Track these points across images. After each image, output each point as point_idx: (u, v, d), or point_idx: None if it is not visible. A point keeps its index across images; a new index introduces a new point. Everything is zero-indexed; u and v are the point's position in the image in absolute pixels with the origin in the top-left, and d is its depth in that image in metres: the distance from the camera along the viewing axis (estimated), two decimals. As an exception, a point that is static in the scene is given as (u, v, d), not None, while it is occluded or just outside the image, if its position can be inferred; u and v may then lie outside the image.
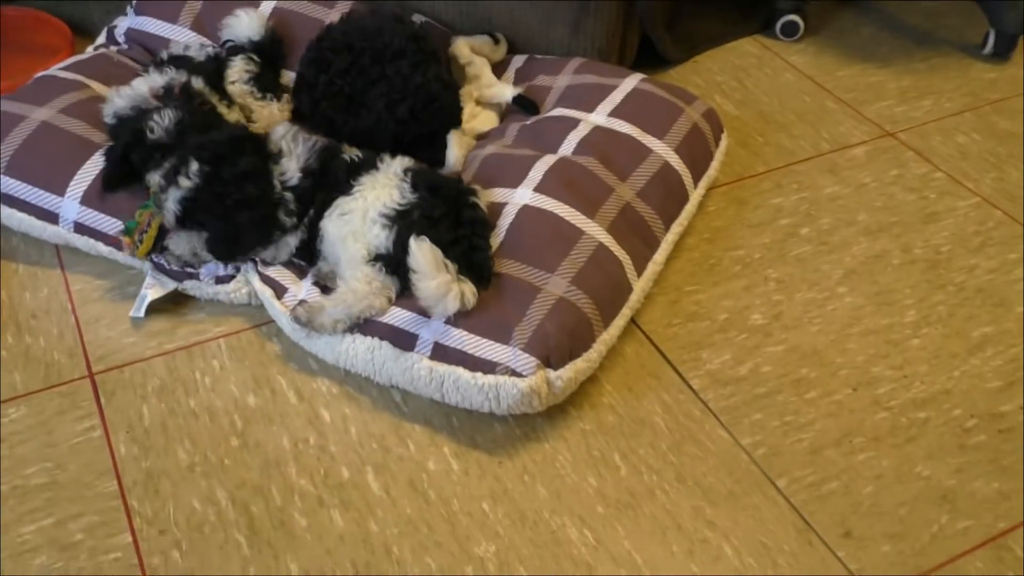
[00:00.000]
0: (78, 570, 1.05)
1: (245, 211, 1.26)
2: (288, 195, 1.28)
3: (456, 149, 1.46)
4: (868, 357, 1.33)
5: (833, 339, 1.36)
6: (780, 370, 1.31)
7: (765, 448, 1.21)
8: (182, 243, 1.30)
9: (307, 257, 1.31)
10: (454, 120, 1.49)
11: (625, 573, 1.07)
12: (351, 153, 1.33)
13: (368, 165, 1.30)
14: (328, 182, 1.29)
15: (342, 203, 1.27)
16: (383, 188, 1.26)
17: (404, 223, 1.23)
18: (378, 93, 1.46)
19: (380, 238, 1.23)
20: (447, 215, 1.24)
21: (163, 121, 1.31)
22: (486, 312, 1.20)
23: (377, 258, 1.22)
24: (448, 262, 1.18)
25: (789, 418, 1.25)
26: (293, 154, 1.30)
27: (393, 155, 1.34)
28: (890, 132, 1.77)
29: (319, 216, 1.29)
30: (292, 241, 1.31)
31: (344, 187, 1.28)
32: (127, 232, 1.32)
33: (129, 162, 1.33)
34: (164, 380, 1.26)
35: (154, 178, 1.30)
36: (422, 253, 1.15)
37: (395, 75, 1.47)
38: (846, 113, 1.82)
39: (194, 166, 1.25)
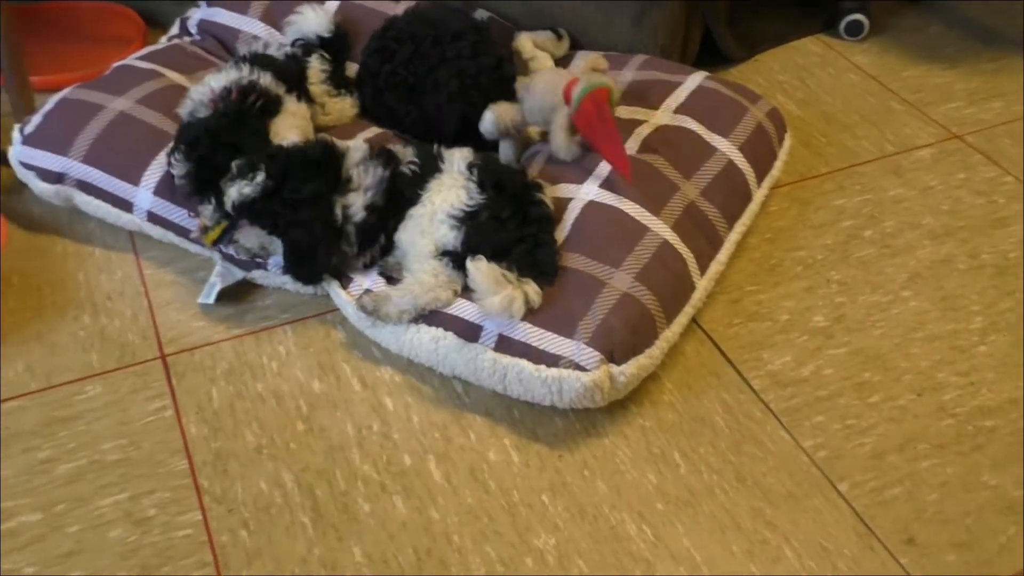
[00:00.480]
0: (151, 544, 1.08)
1: (298, 232, 1.26)
2: (351, 228, 1.28)
3: (491, 113, 1.44)
4: (933, 363, 1.31)
5: (897, 343, 1.34)
6: (842, 373, 1.30)
7: (826, 451, 1.20)
8: (251, 237, 1.32)
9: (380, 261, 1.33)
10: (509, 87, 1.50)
11: (684, 571, 1.07)
12: (408, 164, 1.31)
13: (430, 169, 1.30)
14: (397, 205, 1.29)
15: (412, 212, 1.28)
16: (449, 190, 1.26)
17: (472, 224, 1.24)
18: (445, 75, 1.46)
19: (448, 237, 1.24)
20: (514, 214, 1.24)
21: (179, 165, 1.32)
22: (551, 305, 1.20)
23: (444, 254, 1.24)
24: (507, 273, 1.19)
25: (851, 421, 1.24)
26: (361, 187, 1.28)
27: (449, 147, 1.34)
28: (957, 134, 1.74)
29: (391, 237, 1.29)
30: (358, 264, 1.31)
31: (413, 199, 1.28)
32: (201, 218, 1.35)
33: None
34: (232, 363, 1.29)
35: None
36: (480, 275, 1.16)
37: (456, 57, 1.47)
38: (911, 114, 1.79)
39: (260, 176, 1.25)
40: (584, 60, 1.43)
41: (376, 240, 1.30)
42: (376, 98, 1.54)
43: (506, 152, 1.46)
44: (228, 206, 1.27)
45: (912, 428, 1.23)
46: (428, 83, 1.49)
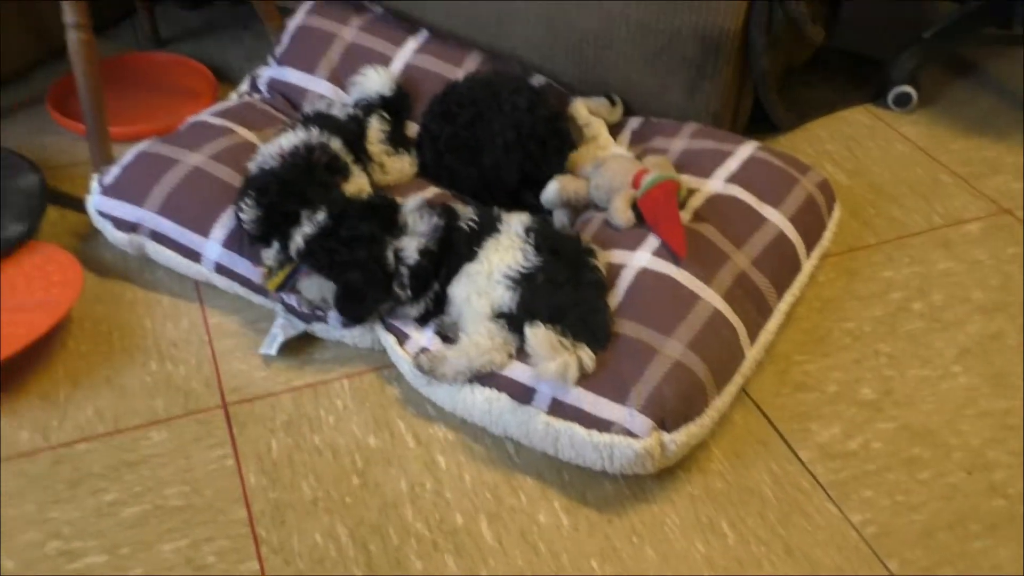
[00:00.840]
0: (210, 593, 1.11)
1: (352, 272, 1.30)
2: (404, 270, 1.32)
3: (555, 184, 1.49)
4: (984, 440, 1.31)
5: (947, 419, 1.34)
6: (891, 447, 1.30)
7: (875, 527, 1.20)
8: (313, 288, 1.37)
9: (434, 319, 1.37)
10: (565, 158, 1.55)
11: (732, 642, 1.08)
12: (467, 220, 1.36)
13: (488, 228, 1.34)
14: (451, 256, 1.33)
15: (467, 268, 1.31)
16: (506, 251, 1.30)
17: (528, 286, 1.27)
18: (502, 127, 1.52)
19: (504, 298, 1.27)
20: (569, 279, 1.28)
21: (248, 212, 1.38)
22: (604, 371, 1.23)
23: (500, 315, 1.27)
24: (564, 339, 1.22)
25: (900, 497, 1.24)
26: (415, 234, 1.33)
27: (508, 201, 1.38)
28: (1007, 209, 1.75)
29: (444, 286, 1.33)
30: (412, 312, 1.35)
31: (469, 255, 1.32)
32: (266, 265, 1.40)
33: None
34: (291, 415, 1.33)
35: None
36: (537, 340, 1.20)
37: (512, 110, 1.53)
38: (960, 187, 1.80)
39: (320, 215, 1.32)
40: (655, 158, 1.51)
41: (429, 287, 1.34)
42: (436, 160, 1.59)
43: (560, 219, 1.50)
44: (293, 251, 1.33)
45: (963, 507, 1.23)
46: (486, 140, 1.53)
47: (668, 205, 1.38)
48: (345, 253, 1.31)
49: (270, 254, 1.38)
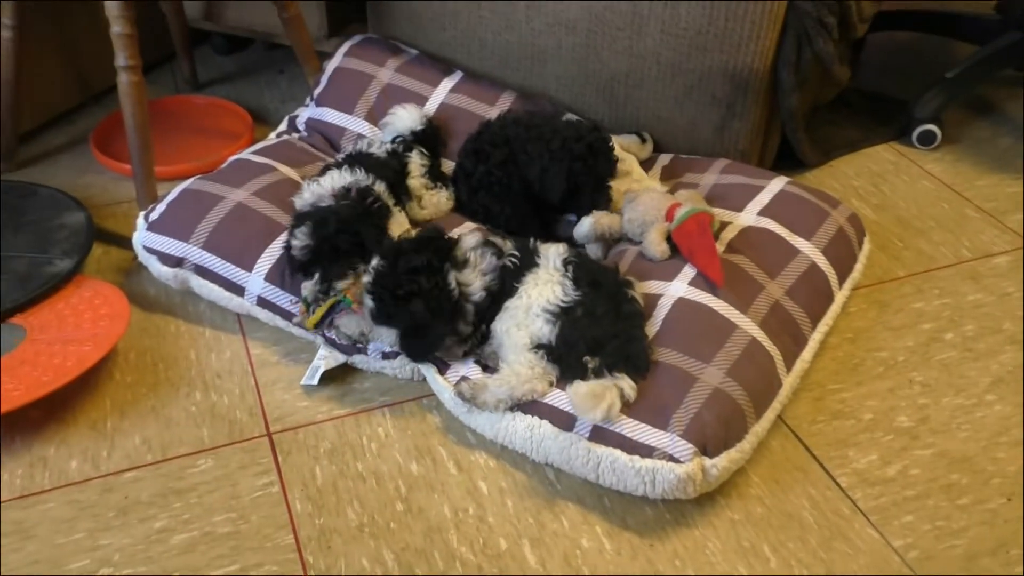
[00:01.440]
0: (259, 616, 1.13)
1: (418, 302, 1.31)
2: (470, 307, 1.34)
3: (590, 219, 1.54)
4: (1020, 467, 1.33)
5: (983, 446, 1.36)
6: (929, 474, 1.32)
7: (917, 551, 1.21)
8: (351, 324, 1.41)
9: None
10: (614, 169, 1.59)
11: (778, 666, 1.08)
12: (509, 256, 1.38)
13: (528, 263, 1.37)
14: (500, 296, 1.36)
15: (509, 304, 1.34)
16: (545, 284, 1.33)
17: (567, 319, 1.30)
18: (547, 138, 1.55)
19: (544, 331, 1.30)
20: (607, 311, 1.31)
21: (301, 240, 1.42)
22: (645, 398, 1.25)
23: (539, 347, 1.30)
24: (603, 380, 1.24)
25: (941, 523, 1.25)
26: (477, 269, 1.36)
27: (545, 242, 1.42)
28: (1033, 243, 1.78)
29: (488, 324, 1.36)
30: (458, 351, 1.38)
31: (510, 292, 1.35)
32: (304, 302, 1.44)
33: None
34: (334, 443, 1.35)
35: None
36: (580, 398, 1.22)
37: (552, 130, 1.56)
38: (987, 222, 1.83)
39: (375, 260, 1.35)
40: (687, 192, 1.56)
41: (485, 322, 1.36)
42: (471, 196, 1.63)
43: (593, 252, 1.54)
44: (367, 312, 1.36)
45: (1003, 532, 1.24)
46: (534, 150, 1.56)
47: (703, 236, 1.42)
48: (407, 284, 1.31)
49: (309, 286, 1.42)
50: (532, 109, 1.75)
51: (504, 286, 1.36)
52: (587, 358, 1.28)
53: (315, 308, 1.43)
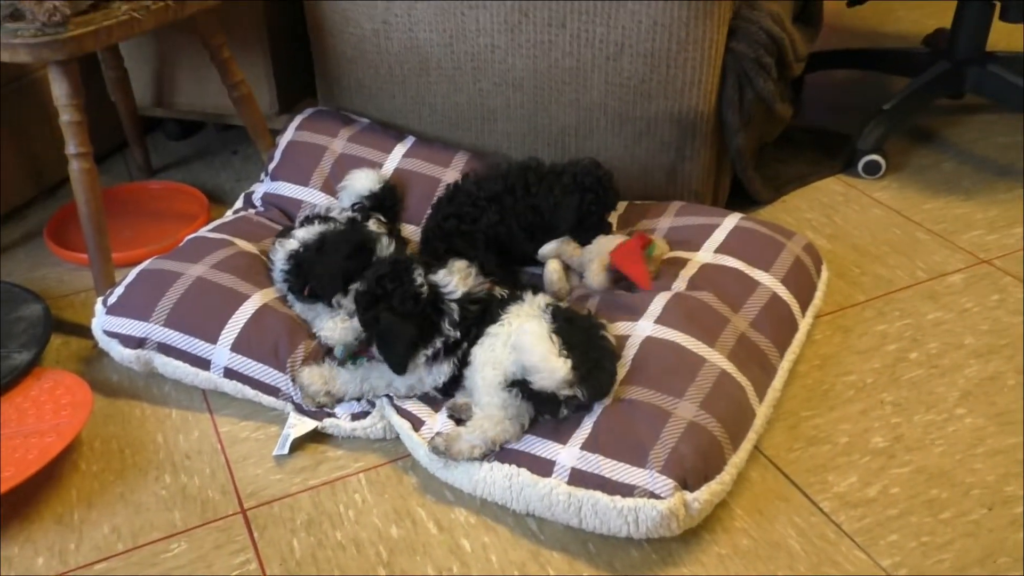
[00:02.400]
0: None
1: (383, 306, 1.35)
2: (453, 306, 1.36)
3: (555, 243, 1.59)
4: (998, 476, 1.34)
5: (959, 459, 1.38)
6: (909, 491, 1.33)
7: (906, 569, 1.22)
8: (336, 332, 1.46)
9: (450, 389, 1.40)
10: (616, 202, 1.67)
11: None
12: (499, 291, 1.43)
13: (515, 299, 1.41)
14: (485, 319, 1.38)
15: (491, 329, 1.36)
16: (526, 316, 1.36)
17: None
18: (559, 174, 1.61)
19: (518, 364, 1.31)
20: (582, 343, 1.32)
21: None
22: (622, 437, 1.26)
23: (513, 384, 1.30)
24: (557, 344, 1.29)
25: (926, 538, 1.26)
26: (455, 271, 1.40)
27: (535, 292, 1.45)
28: (985, 260, 1.83)
29: (471, 344, 1.37)
30: (446, 369, 1.39)
31: (495, 318, 1.38)
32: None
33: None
34: (311, 514, 1.33)
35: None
36: (532, 336, 1.27)
37: (561, 169, 1.62)
38: (938, 243, 1.89)
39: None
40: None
41: (472, 334, 1.37)
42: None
43: (548, 276, 1.58)
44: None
45: (989, 542, 1.24)
46: (542, 187, 1.62)
47: (635, 251, 1.50)
48: (374, 289, 1.36)
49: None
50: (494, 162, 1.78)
51: (490, 309, 1.38)
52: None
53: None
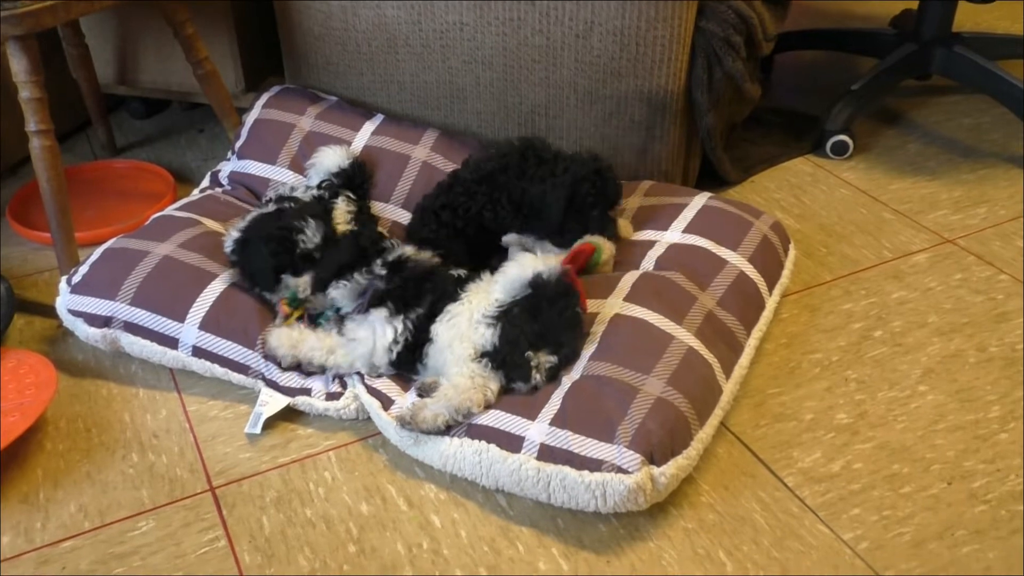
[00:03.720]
0: (213, 673, 1.10)
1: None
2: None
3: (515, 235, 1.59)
4: (958, 452, 1.38)
5: (921, 435, 1.41)
6: (872, 466, 1.36)
7: (867, 542, 1.25)
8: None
9: (410, 366, 1.41)
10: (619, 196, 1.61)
11: (743, 666, 1.10)
12: (456, 269, 1.45)
13: (473, 277, 1.44)
14: (437, 288, 1.41)
15: (451, 308, 1.39)
16: (487, 293, 1.38)
17: (507, 319, 1.34)
18: (552, 164, 1.57)
19: (485, 336, 1.34)
20: (548, 310, 1.35)
21: (314, 236, 1.50)
22: (590, 413, 1.28)
23: (483, 355, 1.33)
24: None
25: (887, 512, 1.29)
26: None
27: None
28: (949, 239, 1.87)
29: (429, 319, 1.39)
30: (389, 333, 1.40)
31: (453, 295, 1.40)
32: (293, 301, 1.51)
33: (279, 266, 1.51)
34: (280, 492, 1.34)
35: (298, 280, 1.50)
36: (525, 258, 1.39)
37: (555, 160, 1.58)
38: (903, 223, 1.92)
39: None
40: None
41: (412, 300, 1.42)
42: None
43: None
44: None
45: (948, 516, 1.28)
46: (535, 178, 1.57)
47: (576, 261, 1.51)
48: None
49: (302, 283, 1.49)
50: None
51: (443, 286, 1.42)
52: (530, 353, 1.33)
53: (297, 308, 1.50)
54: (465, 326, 1.35)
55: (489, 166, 1.62)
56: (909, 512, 1.29)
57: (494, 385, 1.33)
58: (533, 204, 1.56)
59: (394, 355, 1.40)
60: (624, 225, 1.61)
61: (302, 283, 1.49)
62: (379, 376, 1.43)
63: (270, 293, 1.52)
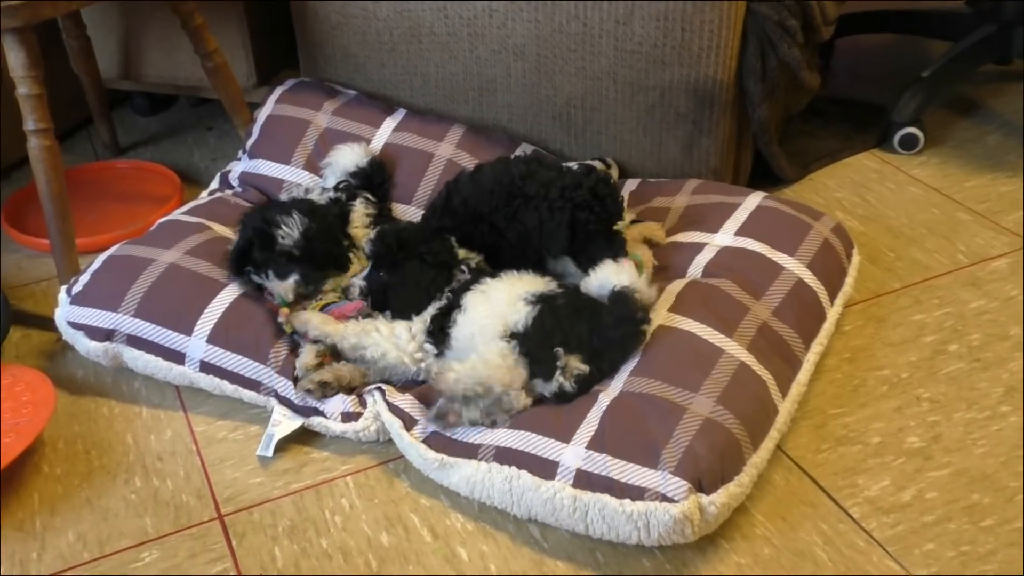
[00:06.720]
0: None
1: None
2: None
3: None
4: (1045, 479, 1.35)
5: (1003, 461, 1.38)
6: (948, 496, 1.34)
7: (943, 579, 1.23)
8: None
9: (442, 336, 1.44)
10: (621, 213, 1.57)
11: None
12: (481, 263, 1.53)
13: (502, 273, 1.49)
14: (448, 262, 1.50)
15: (488, 281, 1.44)
16: (530, 281, 1.43)
17: (548, 306, 1.37)
18: (545, 192, 1.53)
19: (520, 314, 1.36)
20: (589, 311, 1.37)
21: (292, 231, 1.54)
22: (631, 434, 1.27)
23: (512, 336, 1.35)
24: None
25: (966, 548, 1.26)
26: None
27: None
28: (1033, 242, 1.83)
29: (459, 293, 1.45)
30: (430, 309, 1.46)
31: (486, 273, 1.47)
32: (283, 303, 1.55)
33: (250, 258, 1.56)
34: (294, 520, 1.35)
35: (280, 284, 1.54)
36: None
37: (549, 180, 1.54)
38: (981, 224, 1.89)
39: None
40: (640, 228, 1.64)
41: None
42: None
43: None
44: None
45: (1033, 551, 1.25)
46: (532, 204, 1.54)
47: None
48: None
49: (288, 286, 1.54)
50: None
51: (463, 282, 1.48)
52: (560, 351, 1.34)
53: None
54: (503, 302, 1.39)
55: (483, 207, 1.58)
56: (991, 548, 1.26)
57: (523, 372, 1.34)
58: (531, 239, 1.54)
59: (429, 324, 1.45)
60: (654, 229, 1.60)
61: (286, 288, 1.54)
62: (402, 384, 1.45)
63: (236, 278, 1.57)
